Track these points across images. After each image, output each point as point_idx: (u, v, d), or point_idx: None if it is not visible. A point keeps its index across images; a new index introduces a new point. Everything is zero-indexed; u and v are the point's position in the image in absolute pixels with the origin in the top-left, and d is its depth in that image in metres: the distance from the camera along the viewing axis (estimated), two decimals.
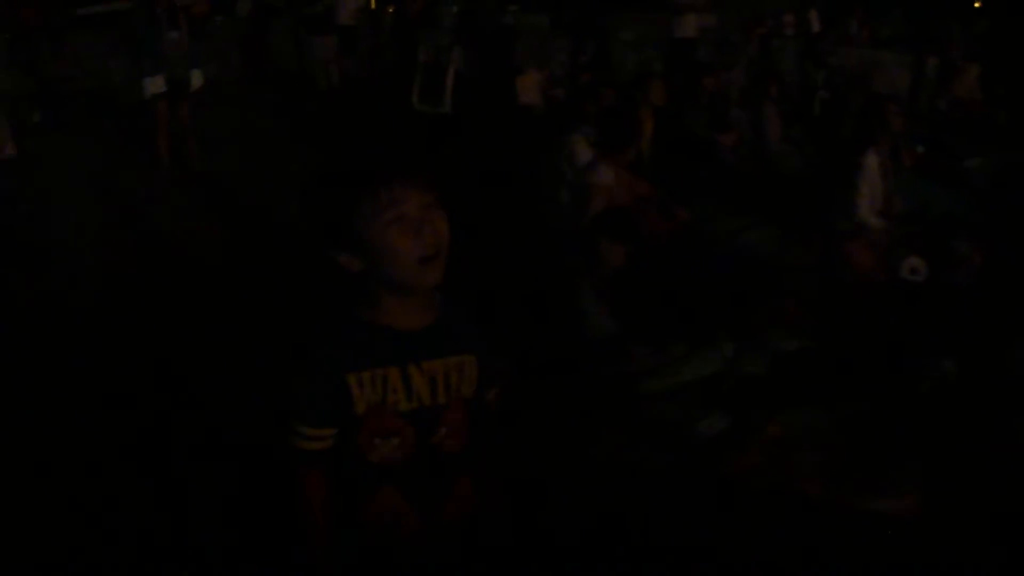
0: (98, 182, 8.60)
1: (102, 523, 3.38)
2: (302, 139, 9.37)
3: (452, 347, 1.95)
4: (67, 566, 3.18)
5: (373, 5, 19.02)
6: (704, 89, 8.15)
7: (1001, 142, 8.50)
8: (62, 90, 11.88)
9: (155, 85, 8.68)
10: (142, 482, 3.60)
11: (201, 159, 9.19)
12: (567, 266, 4.78)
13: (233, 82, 14.16)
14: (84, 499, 3.51)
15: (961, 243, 5.33)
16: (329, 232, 1.84)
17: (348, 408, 1.85)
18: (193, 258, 6.27)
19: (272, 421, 1.99)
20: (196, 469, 3.65)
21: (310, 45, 13.32)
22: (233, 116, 11.55)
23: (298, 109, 12.05)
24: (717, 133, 7.74)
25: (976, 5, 19.91)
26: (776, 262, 5.52)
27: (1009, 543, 3.12)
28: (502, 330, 2.35)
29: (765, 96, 8.36)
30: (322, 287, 1.94)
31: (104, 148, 10.08)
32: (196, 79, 9.00)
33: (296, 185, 2.40)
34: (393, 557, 1.96)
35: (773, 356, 4.37)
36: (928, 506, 3.32)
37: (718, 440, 3.74)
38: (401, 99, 9.61)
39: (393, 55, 12.22)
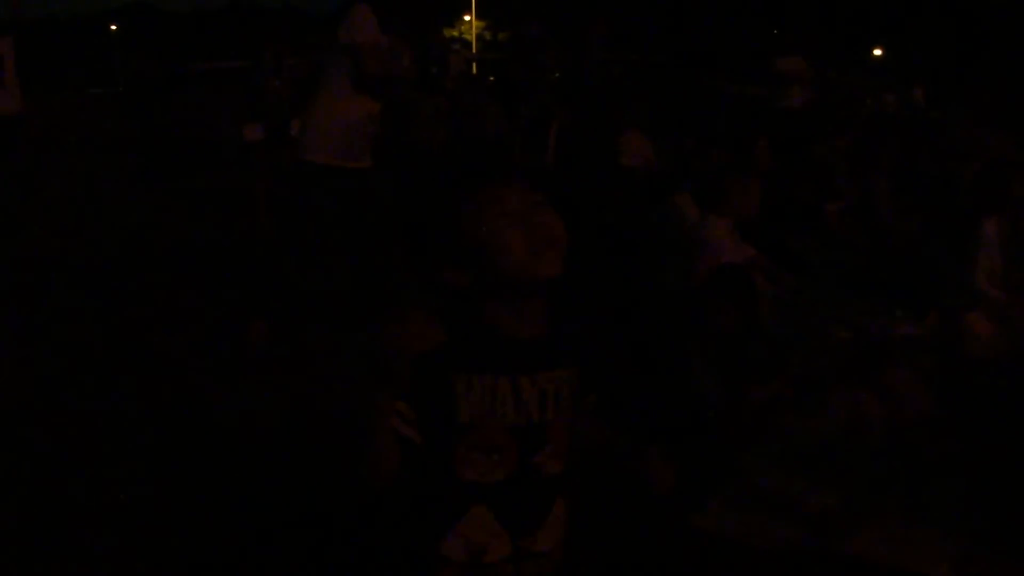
0: (184, 227, 8.73)
1: None
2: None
3: (565, 359, 1.84)
4: None
5: (475, 70, 19.20)
6: (812, 157, 7.98)
7: None
8: (167, 137, 12.14)
9: (252, 132, 8.76)
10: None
11: None
12: (674, 330, 4.60)
13: None
14: None
15: None
16: (432, 244, 1.75)
17: (451, 414, 1.72)
18: None
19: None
20: None
21: (416, 105, 13.37)
22: None
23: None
24: (824, 202, 7.54)
25: None
26: (888, 334, 5.28)
27: None
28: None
29: (875, 166, 8.14)
30: None
31: (199, 192, 10.26)
32: (296, 128, 9.09)
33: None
34: None
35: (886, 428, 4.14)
36: None
37: (831, 515, 3.52)
38: (502, 154, 9.57)
39: (493, 115, 12.24)
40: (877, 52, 42.36)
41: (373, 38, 5.20)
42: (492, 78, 14.78)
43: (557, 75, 10.53)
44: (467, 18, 56.73)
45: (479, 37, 54.15)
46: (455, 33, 56.31)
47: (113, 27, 52.20)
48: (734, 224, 5.28)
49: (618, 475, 2.02)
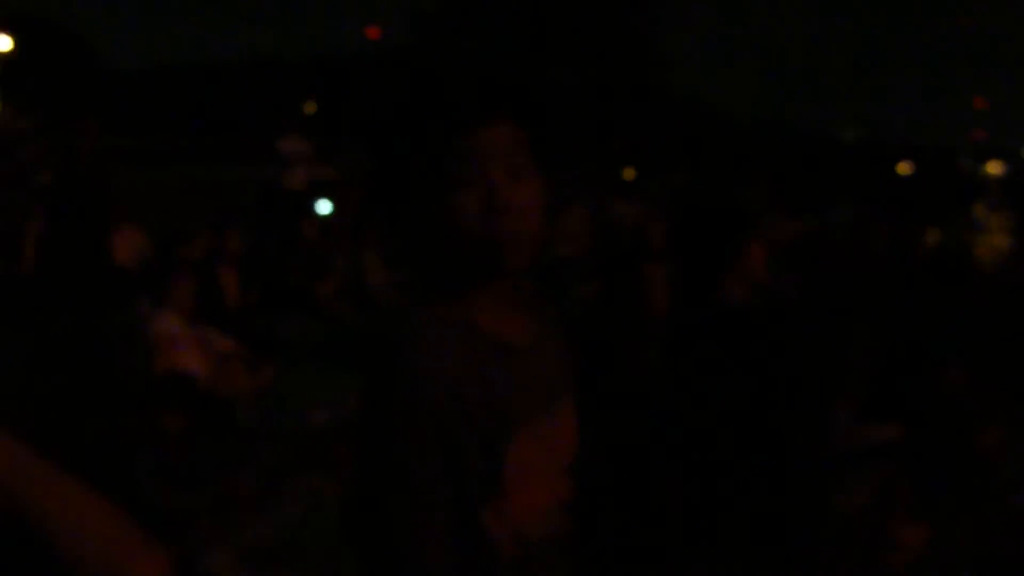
0: None
1: None
2: None
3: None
4: None
5: None
6: (304, 237, 8.03)
7: None
8: None
9: None
10: None
11: None
12: (127, 433, 4.37)
13: None
14: None
15: None
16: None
17: None
18: None
19: None
20: None
21: None
22: None
23: None
24: (316, 281, 7.56)
25: None
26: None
27: None
28: None
29: (365, 243, 8.30)
30: None
31: None
32: None
33: None
34: None
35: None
36: None
37: None
38: None
39: None
40: None
41: None
42: None
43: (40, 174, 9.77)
44: None
45: None
46: None
47: None
48: (186, 309, 5.14)
49: None
